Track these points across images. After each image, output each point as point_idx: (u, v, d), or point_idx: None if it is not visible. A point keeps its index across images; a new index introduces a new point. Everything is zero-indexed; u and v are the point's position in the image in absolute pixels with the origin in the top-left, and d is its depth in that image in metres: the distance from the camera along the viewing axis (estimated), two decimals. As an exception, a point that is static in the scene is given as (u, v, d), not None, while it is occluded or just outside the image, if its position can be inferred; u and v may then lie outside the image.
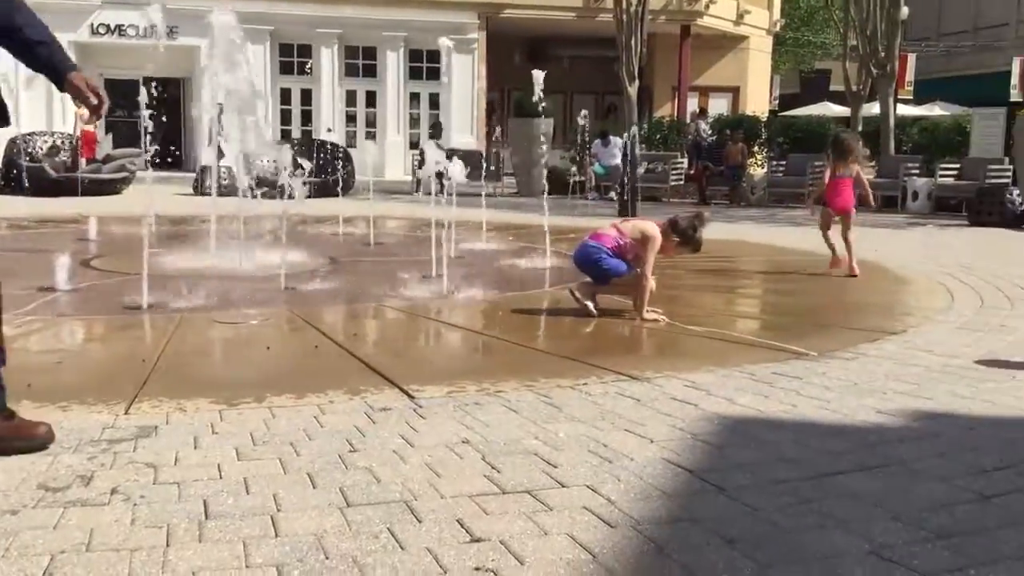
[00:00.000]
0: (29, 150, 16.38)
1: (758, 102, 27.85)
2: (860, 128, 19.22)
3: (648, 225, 5.47)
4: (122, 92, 24.22)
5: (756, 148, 19.80)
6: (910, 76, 28.29)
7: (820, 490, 2.57)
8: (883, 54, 18.30)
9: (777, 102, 32.29)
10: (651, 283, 5.35)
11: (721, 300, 6.78)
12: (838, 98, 26.54)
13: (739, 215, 14.58)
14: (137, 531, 2.21)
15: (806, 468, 2.75)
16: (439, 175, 7.48)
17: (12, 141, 16.23)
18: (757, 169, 19.91)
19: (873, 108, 19.93)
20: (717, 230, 10.47)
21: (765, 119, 21.34)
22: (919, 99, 27.99)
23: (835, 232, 7.72)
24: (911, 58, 28.41)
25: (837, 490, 2.57)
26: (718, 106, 27.16)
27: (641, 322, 5.22)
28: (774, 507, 2.43)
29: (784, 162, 18.16)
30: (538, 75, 8.54)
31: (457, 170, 7.55)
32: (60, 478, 2.55)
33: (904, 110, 23.39)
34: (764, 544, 2.19)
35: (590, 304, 5.38)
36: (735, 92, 28.74)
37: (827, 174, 7.92)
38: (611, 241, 5.36)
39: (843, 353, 4.41)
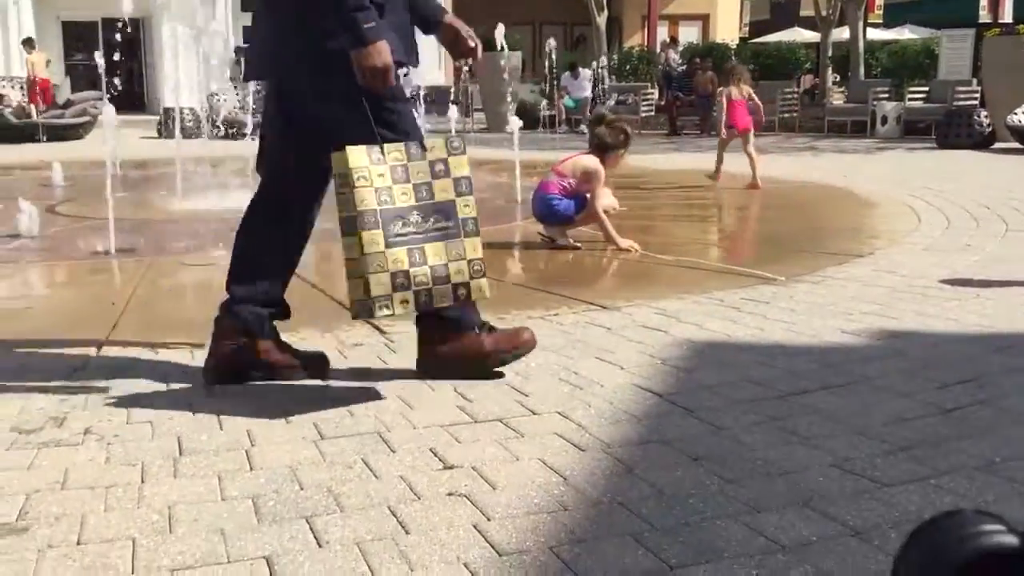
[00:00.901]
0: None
1: (728, 29, 27.67)
2: (830, 53, 19.18)
3: (583, 160, 5.51)
4: (79, 34, 23.71)
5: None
6: (880, 0, 28.16)
7: (785, 409, 2.62)
8: (852, -23, 18.19)
9: (747, 29, 32.07)
10: (611, 203, 5.46)
11: (691, 229, 6.81)
12: (808, 23, 26.41)
13: (710, 144, 14.55)
14: (112, 469, 2.22)
15: (772, 388, 2.80)
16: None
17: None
18: (727, 98, 19.84)
19: (843, 33, 19.85)
20: (688, 160, 10.50)
21: (735, 47, 21.21)
22: (889, 23, 27.89)
23: (721, 150, 8.80)
24: (881, -19, 28.27)
25: (802, 408, 2.62)
26: (688, 35, 26.95)
27: (615, 251, 5.26)
28: (740, 426, 2.48)
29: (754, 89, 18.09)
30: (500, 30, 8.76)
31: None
32: (33, 420, 2.56)
33: (874, 34, 23.30)
34: (730, 461, 2.24)
35: (568, 240, 5.46)
36: (705, 20, 28.52)
37: (724, 100, 8.85)
38: (556, 187, 5.42)
39: (810, 277, 4.46)
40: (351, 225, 2.55)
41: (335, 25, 2.55)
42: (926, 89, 16.06)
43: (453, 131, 10.01)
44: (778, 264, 4.80)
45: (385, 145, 2.57)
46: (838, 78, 19.39)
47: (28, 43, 17.80)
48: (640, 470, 2.20)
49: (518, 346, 2.95)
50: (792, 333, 3.45)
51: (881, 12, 28.31)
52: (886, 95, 16.22)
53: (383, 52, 2.55)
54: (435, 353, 2.92)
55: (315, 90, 2.73)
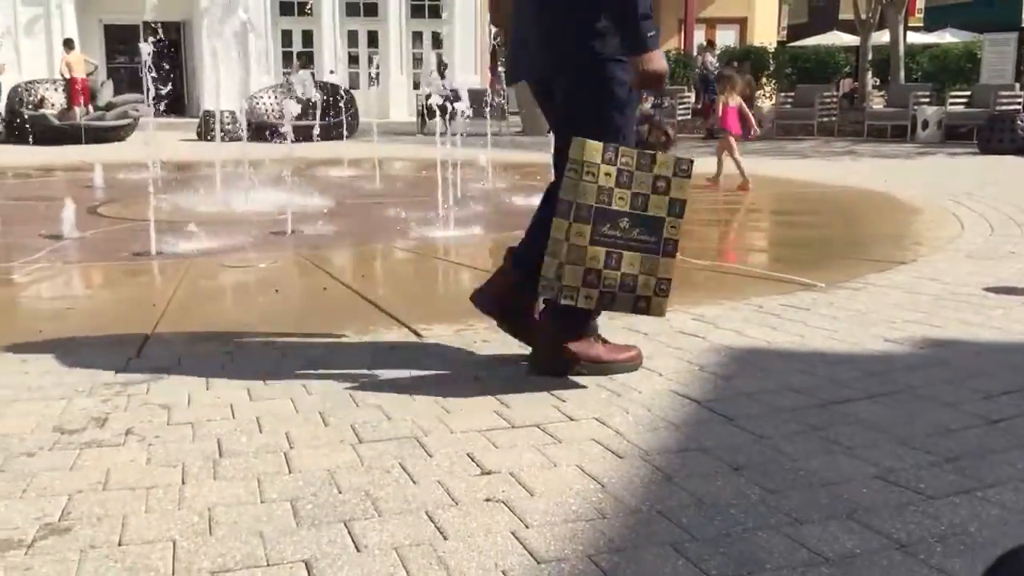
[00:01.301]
0: (31, 99, 16.30)
1: (766, 33, 27.46)
2: (870, 57, 18.97)
3: None
4: (121, 38, 24.04)
5: (764, 80, 19.58)
6: (920, 3, 27.82)
7: (827, 418, 2.58)
8: (893, -20, 17.98)
9: (785, 32, 31.82)
10: None
11: (729, 233, 6.76)
12: (847, 27, 26.15)
13: (747, 148, 14.45)
14: (153, 470, 2.24)
15: (813, 397, 2.77)
16: (442, 111, 7.42)
17: (14, 89, 16.16)
18: (765, 101, 19.72)
19: (883, 36, 19.63)
20: (726, 163, 10.42)
21: (773, 50, 21.05)
22: (930, 26, 27.55)
23: (734, 155, 9.07)
24: (921, -16, 27.92)
25: (844, 418, 2.58)
26: (725, 38, 26.80)
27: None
28: (781, 435, 2.45)
29: (792, 94, 17.95)
30: None
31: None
32: (75, 420, 2.59)
33: (914, 38, 23.03)
34: (771, 471, 2.21)
35: None
36: (742, 23, 28.33)
37: (720, 106, 9.47)
38: None
39: (851, 284, 4.41)
40: (566, 208, 2.68)
41: (621, 30, 2.75)
42: (968, 93, 15.85)
43: (489, 134, 10.03)
44: (818, 270, 4.75)
45: (622, 148, 2.71)
46: (878, 82, 19.18)
47: (67, 44, 18.05)
48: (679, 478, 2.17)
49: (629, 360, 3.04)
50: (833, 341, 3.41)
51: (921, 15, 27.97)
52: (927, 99, 16.02)
53: (661, 59, 2.76)
54: (570, 351, 2.98)
55: (575, 89, 2.87)
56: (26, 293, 4.57)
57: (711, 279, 4.70)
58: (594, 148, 2.66)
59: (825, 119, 17.12)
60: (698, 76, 19.72)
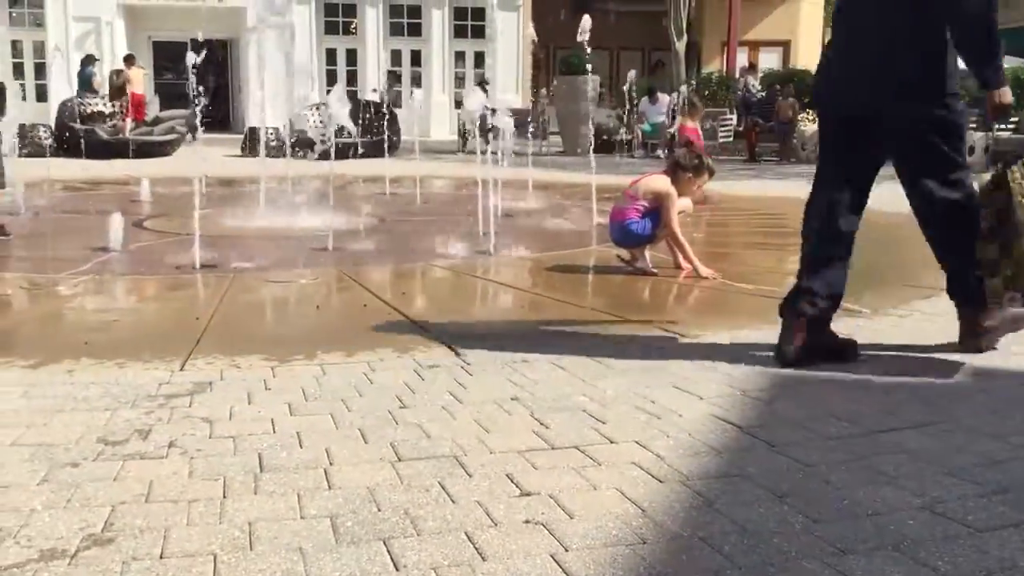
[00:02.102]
0: (81, 113, 16.59)
1: (810, 56, 27.23)
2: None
3: (655, 183, 5.46)
4: (169, 55, 24.46)
5: (807, 103, 19.43)
6: (967, 27, 27.46)
7: (872, 446, 2.54)
8: (939, 4, 17.81)
9: (829, 55, 31.56)
10: (686, 205, 5.55)
11: (772, 257, 6.70)
12: (892, 51, 25.88)
13: (789, 172, 14.35)
14: (195, 483, 2.26)
15: (858, 425, 2.73)
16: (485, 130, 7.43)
17: (64, 104, 16.48)
18: (808, 124, 19.57)
19: (928, 60, 19.40)
20: (768, 187, 10.38)
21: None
22: (976, 51, 27.19)
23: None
24: (968, 8, 27.58)
25: (889, 447, 2.54)
26: (768, 61, 26.61)
27: (691, 278, 5.20)
28: (825, 463, 2.41)
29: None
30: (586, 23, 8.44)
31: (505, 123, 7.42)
32: (119, 432, 2.62)
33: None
34: (815, 499, 2.18)
35: (647, 264, 5.41)
36: (786, 46, 28.15)
37: (685, 126, 10.25)
38: (634, 212, 5.38)
39: (897, 310, 4.35)
40: (987, 229, 3.21)
41: (982, 66, 3.21)
42: (1016, 119, 15.62)
43: (530, 153, 10.06)
44: (863, 296, 4.68)
45: (1013, 166, 3.20)
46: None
47: (128, 60, 18.46)
48: (721, 505, 2.15)
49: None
50: (878, 368, 3.36)
51: (969, 39, 27.57)
52: (973, 124, 15.79)
53: (1009, 91, 3.23)
54: (985, 327, 3.45)
55: (928, 127, 3.31)
56: (73, 305, 4.64)
57: (753, 303, 4.66)
58: (1016, 171, 3.15)
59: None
60: (740, 99, 19.61)
